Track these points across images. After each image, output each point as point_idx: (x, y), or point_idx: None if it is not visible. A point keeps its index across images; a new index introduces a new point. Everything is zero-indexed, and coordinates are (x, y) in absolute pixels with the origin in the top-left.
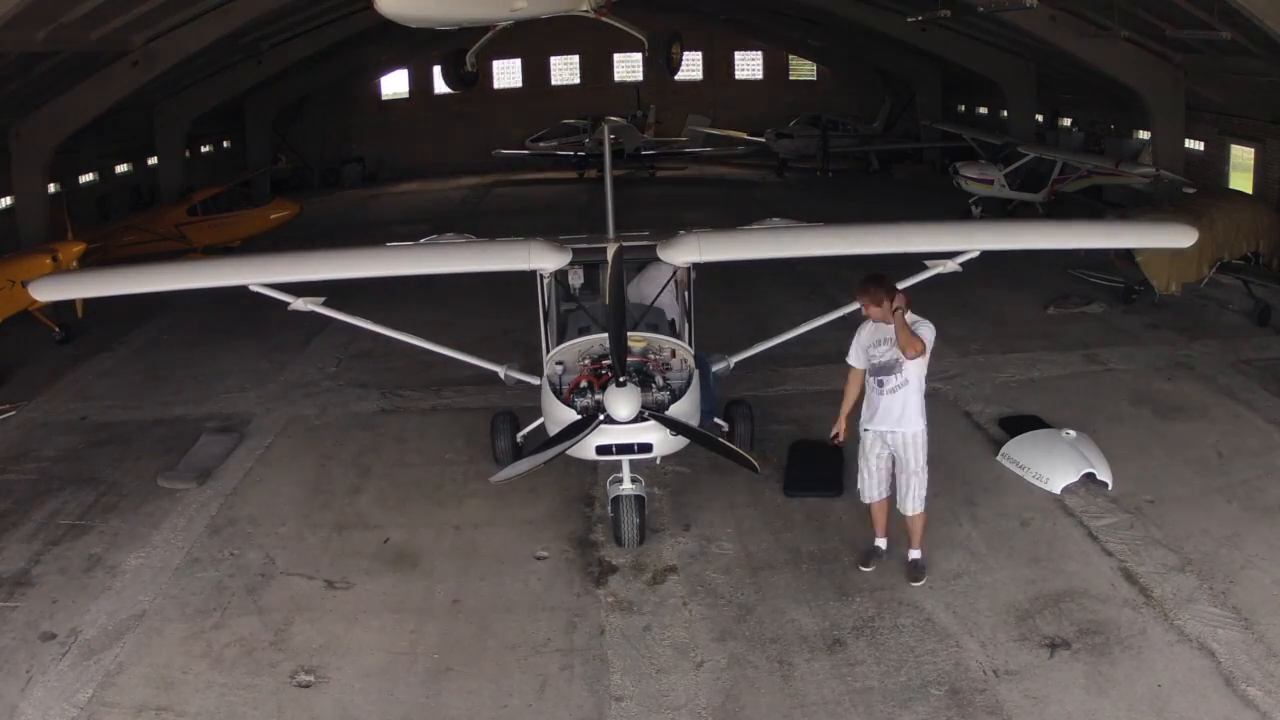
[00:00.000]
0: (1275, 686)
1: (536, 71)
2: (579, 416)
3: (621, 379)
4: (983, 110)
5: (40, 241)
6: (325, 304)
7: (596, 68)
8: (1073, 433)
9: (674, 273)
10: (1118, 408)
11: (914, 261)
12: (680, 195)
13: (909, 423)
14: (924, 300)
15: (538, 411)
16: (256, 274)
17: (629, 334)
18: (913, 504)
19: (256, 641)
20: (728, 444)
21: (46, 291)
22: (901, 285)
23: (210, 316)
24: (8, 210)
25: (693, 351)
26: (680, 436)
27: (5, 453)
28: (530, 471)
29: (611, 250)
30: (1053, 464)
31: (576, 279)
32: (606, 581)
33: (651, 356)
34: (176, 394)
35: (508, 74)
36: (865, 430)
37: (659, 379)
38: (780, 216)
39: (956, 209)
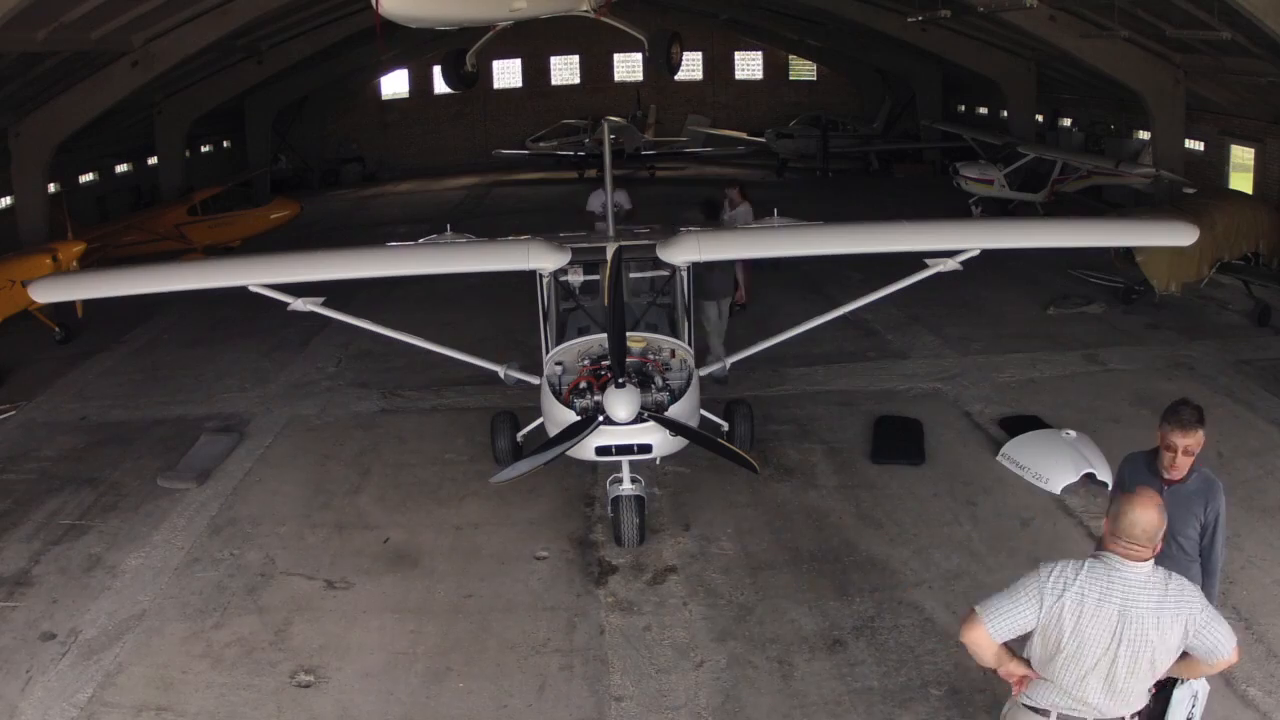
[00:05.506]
0: (1275, 686)
1: (536, 71)
2: (579, 417)
3: (621, 380)
4: (983, 110)
5: (40, 241)
6: (325, 304)
7: (596, 68)
8: (1073, 433)
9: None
10: (1118, 408)
11: (914, 260)
12: (680, 195)
13: None
14: (925, 300)
15: (538, 411)
16: (256, 274)
17: (628, 334)
18: None
19: (256, 641)
20: (727, 444)
21: (46, 292)
22: (901, 285)
23: (210, 316)
24: (8, 210)
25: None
26: (680, 437)
27: (5, 453)
28: (530, 472)
29: (611, 250)
30: (1053, 464)
31: (576, 279)
32: (606, 581)
33: (651, 357)
34: (176, 394)
35: (508, 74)
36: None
37: (659, 379)
38: (780, 216)
39: (957, 209)
